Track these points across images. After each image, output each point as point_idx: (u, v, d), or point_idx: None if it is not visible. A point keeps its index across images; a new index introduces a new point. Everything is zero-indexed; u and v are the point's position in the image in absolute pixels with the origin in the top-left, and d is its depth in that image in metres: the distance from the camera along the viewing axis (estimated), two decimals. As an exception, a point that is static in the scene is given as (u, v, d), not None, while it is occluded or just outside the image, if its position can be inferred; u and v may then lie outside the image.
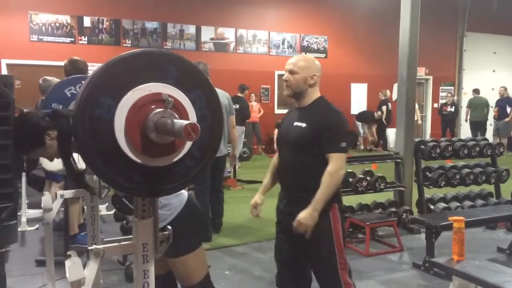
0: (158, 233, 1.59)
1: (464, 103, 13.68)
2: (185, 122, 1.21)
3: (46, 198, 2.56)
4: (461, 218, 2.80)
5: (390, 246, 4.50)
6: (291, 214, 2.41)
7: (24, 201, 5.23)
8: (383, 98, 11.97)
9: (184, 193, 2.16)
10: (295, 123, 2.45)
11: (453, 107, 12.97)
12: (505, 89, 11.93)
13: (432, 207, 5.22)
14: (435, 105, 14.77)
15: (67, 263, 1.52)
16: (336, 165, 2.32)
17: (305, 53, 12.46)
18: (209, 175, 4.62)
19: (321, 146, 2.35)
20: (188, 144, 1.38)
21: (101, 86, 1.31)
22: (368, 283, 3.67)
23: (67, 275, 1.50)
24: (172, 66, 1.41)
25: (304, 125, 2.40)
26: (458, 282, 2.68)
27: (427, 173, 5.26)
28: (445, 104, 13.15)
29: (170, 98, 1.33)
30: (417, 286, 3.63)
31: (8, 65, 9.54)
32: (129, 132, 1.30)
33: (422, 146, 5.22)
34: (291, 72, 2.43)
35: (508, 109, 11.69)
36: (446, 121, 12.98)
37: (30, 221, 5.14)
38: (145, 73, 1.37)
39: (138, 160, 1.30)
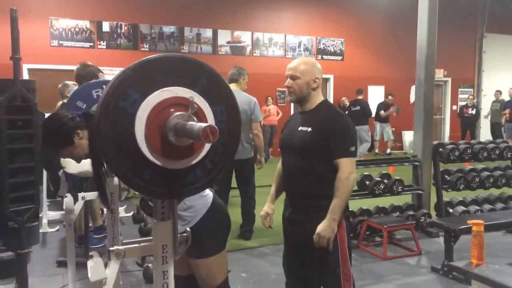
0: (177, 235, 1.62)
1: (484, 105, 13.50)
2: (205, 124, 1.23)
3: (68, 200, 2.62)
4: (481, 221, 2.77)
5: (408, 250, 4.46)
6: (296, 221, 2.39)
7: (45, 203, 5.32)
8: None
9: (210, 194, 2.16)
10: (300, 128, 2.38)
11: (474, 109, 12.79)
12: None
13: (450, 210, 5.16)
14: (454, 107, 14.60)
15: (89, 263, 1.56)
16: (346, 171, 2.26)
17: (312, 54, 12.47)
18: (227, 181, 4.59)
19: (327, 151, 2.29)
20: (202, 154, 1.41)
21: (132, 80, 1.35)
22: (385, 286, 3.65)
23: (89, 275, 1.54)
24: (203, 77, 1.45)
25: (309, 129, 2.33)
26: (477, 287, 2.66)
27: (446, 176, 5.20)
28: (466, 106, 12.97)
29: (195, 105, 1.36)
30: (435, 290, 3.60)
31: (29, 70, 9.74)
32: (148, 129, 1.33)
33: (441, 149, 5.17)
34: (293, 77, 2.37)
35: None
36: (467, 123, 12.79)
37: (50, 223, 5.23)
38: (176, 77, 1.41)
39: (152, 158, 1.33)
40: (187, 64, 1.46)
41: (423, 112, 5.19)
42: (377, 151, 12.31)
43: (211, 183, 1.52)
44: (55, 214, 5.43)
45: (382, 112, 11.94)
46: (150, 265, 2.58)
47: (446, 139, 13.59)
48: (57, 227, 5.18)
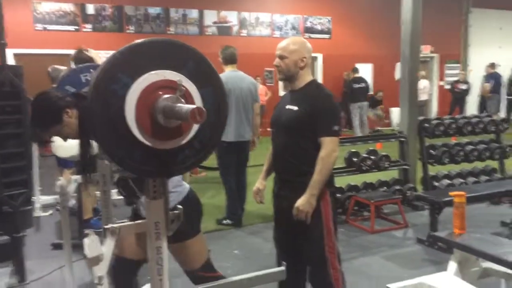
0: (169, 213, 1.68)
1: (470, 80, 13.61)
2: (193, 105, 1.29)
3: (61, 183, 2.67)
4: (462, 193, 2.87)
5: (395, 223, 4.60)
6: (284, 197, 2.48)
7: (37, 187, 5.36)
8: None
9: (186, 185, 2.25)
10: (287, 106, 2.46)
11: (466, 84, 12.85)
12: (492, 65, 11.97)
13: (436, 184, 5.29)
14: (441, 83, 14.72)
15: (86, 240, 1.63)
16: (328, 149, 2.33)
17: (302, 34, 12.45)
18: (235, 162, 4.65)
19: (312, 129, 2.36)
20: (191, 134, 1.46)
21: (122, 64, 1.39)
22: (372, 258, 3.78)
23: (86, 251, 1.61)
24: (190, 60, 1.49)
25: (295, 108, 2.41)
26: (459, 255, 2.77)
27: (431, 150, 5.32)
28: (457, 82, 13.03)
29: (182, 87, 1.41)
30: (421, 260, 3.73)
31: (15, 55, 9.62)
32: (138, 111, 1.38)
33: (426, 124, 5.28)
34: (281, 57, 2.43)
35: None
36: (458, 98, 12.85)
37: (44, 207, 5.28)
38: (164, 60, 1.45)
39: (142, 139, 1.38)
40: (175, 48, 1.50)
41: (408, 89, 5.28)
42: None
43: (200, 162, 1.58)
44: (48, 198, 5.47)
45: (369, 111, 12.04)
46: None
47: (434, 116, 13.74)
48: (50, 211, 5.22)
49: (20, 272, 3.42)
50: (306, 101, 2.41)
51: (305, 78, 2.47)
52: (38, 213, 5.12)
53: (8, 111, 3.42)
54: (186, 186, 2.25)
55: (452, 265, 2.80)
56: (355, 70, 11.57)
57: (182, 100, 1.41)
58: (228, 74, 4.56)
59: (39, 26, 9.97)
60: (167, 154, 1.48)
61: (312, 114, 2.37)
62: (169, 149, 1.47)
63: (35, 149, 5.61)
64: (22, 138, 3.61)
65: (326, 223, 2.44)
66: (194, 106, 1.27)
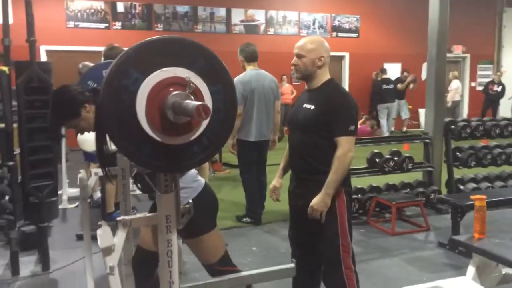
0: (179, 206, 1.72)
1: (503, 81, 13.23)
2: (198, 102, 1.31)
3: (82, 176, 2.75)
4: (483, 196, 2.81)
5: (416, 226, 4.53)
6: (299, 195, 2.49)
7: (65, 180, 5.52)
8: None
9: (202, 179, 2.28)
10: (304, 105, 2.46)
11: (500, 86, 12.47)
12: None
13: (461, 187, 5.18)
14: (473, 84, 14.37)
15: (98, 231, 1.68)
16: (345, 149, 2.33)
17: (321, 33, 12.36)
18: (255, 161, 4.66)
19: (328, 128, 2.36)
20: (199, 131, 1.48)
21: (134, 60, 1.43)
22: (391, 260, 3.74)
23: (99, 242, 1.66)
24: (201, 58, 1.51)
25: (312, 107, 2.41)
26: (478, 259, 2.72)
27: (457, 153, 5.21)
28: (492, 83, 12.66)
29: (192, 84, 1.44)
30: (441, 264, 3.67)
31: (47, 51, 9.91)
32: (148, 107, 1.41)
33: (452, 126, 5.17)
34: (299, 56, 2.43)
35: None
36: (491, 100, 12.47)
37: (70, 199, 5.43)
38: (176, 58, 1.48)
39: (151, 134, 1.41)
40: (186, 46, 1.53)
41: (434, 89, 5.18)
42: (392, 129, 12.25)
43: (208, 159, 1.60)
44: (75, 191, 5.62)
45: (399, 85, 11.82)
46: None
47: (464, 117, 13.42)
48: (77, 203, 5.37)
49: (44, 260, 3.54)
50: (322, 100, 2.41)
51: (322, 77, 2.47)
52: (65, 205, 5.28)
53: (37, 105, 3.54)
54: (202, 181, 2.28)
55: (471, 270, 2.75)
56: (383, 71, 11.54)
57: (191, 97, 1.44)
58: (251, 73, 4.56)
59: (71, 24, 10.23)
60: (176, 150, 1.51)
61: (328, 114, 2.37)
62: (178, 144, 1.50)
63: (63, 143, 5.79)
64: (49, 132, 3.74)
65: (341, 222, 2.43)
66: (199, 103, 1.30)
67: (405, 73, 12.06)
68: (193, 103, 1.34)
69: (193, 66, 1.51)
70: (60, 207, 5.15)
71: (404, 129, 12.32)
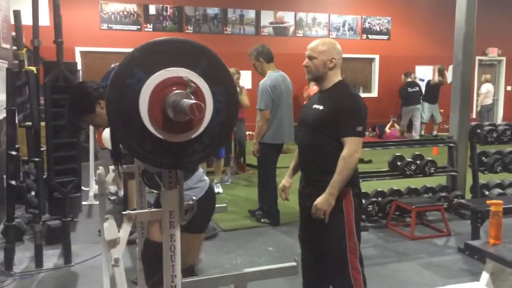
0: (183, 203, 1.78)
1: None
2: (193, 101, 1.37)
3: (100, 172, 2.85)
4: (499, 201, 2.76)
5: (437, 231, 4.46)
6: (307, 195, 2.51)
7: (91, 177, 5.70)
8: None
9: (207, 181, 2.33)
10: (314, 106, 2.50)
11: None
12: None
13: (487, 193, 5.06)
14: (509, 87, 13.95)
15: (105, 225, 1.76)
16: (351, 149, 2.34)
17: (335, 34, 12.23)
18: (276, 162, 4.71)
19: (336, 129, 2.38)
20: (200, 130, 1.54)
21: (138, 60, 1.50)
22: (408, 264, 3.70)
23: (104, 234, 1.73)
24: (204, 59, 1.57)
25: (321, 107, 2.44)
26: (492, 265, 2.67)
27: (483, 158, 5.10)
28: None
29: (192, 84, 1.50)
30: (459, 270, 3.60)
31: (81, 52, 10.24)
32: (150, 105, 1.48)
33: (478, 130, 5.06)
34: (310, 57, 2.47)
35: None
36: None
37: (97, 196, 5.59)
38: (179, 59, 1.54)
39: (153, 131, 1.47)
40: (189, 47, 1.59)
41: (460, 93, 5.08)
42: (423, 133, 12.04)
43: (208, 157, 1.66)
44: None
45: (432, 81, 11.70)
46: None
47: (499, 122, 13.03)
48: (102, 200, 5.53)
49: (67, 254, 3.68)
50: (331, 100, 2.44)
51: (333, 78, 2.49)
52: (91, 201, 5.44)
53: (62, 104, 3.69)
54: (207, 182, 2.33)
55: (485, 276, 2.71)
56: (408, 75, 11.54)
57: (191, 97, 1.49)
58: (276, 76, 4.57)
59: (105, 26, 10.52)
60: (176, 147, 1.57)
61: (336, 114, 2.39)
62: (179, 142, 1.56)
63: (92, 141, 5.99)
64: (75, 134, 3.89)
65: (348, 223, 2.43)
66: (193, 101, 1.35)
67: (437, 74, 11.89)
68: (188, 101, 1.39)
69: (196, 67, 1.57)
70: (86, 203, 5.34)
71: (435, 133, 12.07)
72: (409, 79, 11.49)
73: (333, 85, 2.49)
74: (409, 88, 11.33)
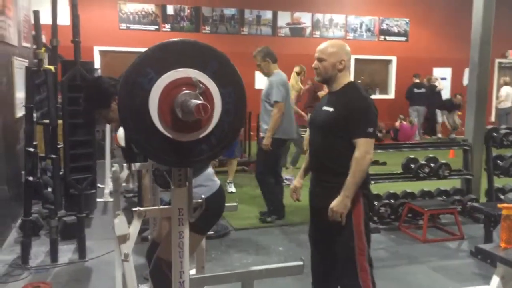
0: (192, 200, 1.81)
1: None
2: (200, 101, 1.40)
3: (114, 169, 2.91)
4: (510, 205, 2.73)
5: (450, 234, 4.43)
6: (319, 195, 2.54)
7: (107, 175, 5.79)
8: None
9: (218, 180, 2.31)
10: (324, 107, 2.51)
11: None
12: None
13: (502, 197, 5.01)
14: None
15: (115, 220, 1.80)
16: (362, 151, 2.35)
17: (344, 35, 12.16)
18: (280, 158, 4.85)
19: (346, 130, 2.38)
20: (208, 130, 1.57)
21: (151, 60, 1.54)
22: (419, 267, 3.69)
23: (115, 230, 1.78)
24: (214, 61, 1.61)
25: (331, 109, 2.45)
26: (503, 269, 2.65)
27: (498, 161, 5.04)
28: None
29: (201, 85, 1.53)
30: (470, 273, 3.58)
31: (100, 52, 10.40)
32: (160, 104, 1.52)
33: (494, 134, 5.01)
34: (319, 59, 2.48)
35: None
36: None
37: (111, 193, 5.68)
38: (190, 60, 1.58)
39: (162, 129, 1.52)
40: (200, 49, 1.63)
41: (475, 96, 5.04)
42: (440, 135, 11.92)
43: (215, 157, 1.69)
44: (116, 186, 5.88)
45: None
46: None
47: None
48: (118, 197, 5.62)
49: (81, 249, 3.76)
50: (341, 102, 2.45)
51: (343, 80, 2.51)
52: (106, 198, 5.54)
53: (79, 102, 3.77)
54: (217, 182, 2.33)
55: (495, 280, 2.68)
56: (416, 76, 11.78)
57: (200, 97, 1.53)
58: (282, 74, 4.76)
59: (123, 26, 10.67)
60: (184, 146, 1.61)
61: (346, 116, 2.39)
62: (187, 141, 1.60)
63: (108, 139, 6.08)
64: (90, 128, 3.97)
65: (356, 224, 2.44)
66: (200, 102, 1.38)
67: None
68: (195, 101, 1.43)
69: (206, 68, 1.61)
70: (101, 200, 5.43)
71: (452, 135, 11.94)
72: (417, 80, 11.74)
73: (343, 86, 2.50)
74: (415, 89, 11.65)
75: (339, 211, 2.38)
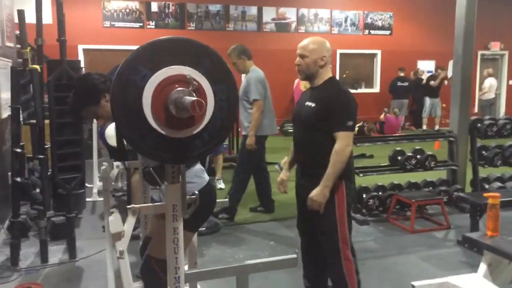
0: (185, 197, 1.83)
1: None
2: (194, 98, 1.42)
3: (104, 168, 2.91)
4: (496, 194, 2.80)
5: (437, 224, 4.50)
6: (303, 186, 2.62)
7: (95, 174, 5.76)
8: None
9: (206, 177, 2.31)
10: (307, 103, 2.59)
11: None
12: None
13: (487, 186, 5.10)
14: (511, 81, 13.94)
15: (110, 218, 1.81)
16: (342, 143, 2.44)
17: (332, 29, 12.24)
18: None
19: (329, 125, 2.47)
20: (201, 126, 1.58)
21: (143, 57, 1.55)
22: (407, 257, 3.75)
23: (110, 228, 1.79)
24: (207, 58, 1.62)
25: (313, 105, 2.53)
26: (490, 257, 2.71)
27: (483, 152, 5.13)
28: None
29: (194, 82, 1.54)
30: (458, 262, 3.65)
31: (84, 50, 10.28)
32: (153, 101, 1.53)
33: (478, 124, 5.09)
34: (302, 56, 2.55)
35: None
36: None
37: (100, 193, 5.65)
38: (182, 57, 1.59)
39: (155, 126, 1.52)
40: (192, 46, 1.64)
41: (460, 87, 5.11)
42: (424, 127, 12.06)
43: (208, 153, 1.71)
44: (104, 185, 5.85)
45: (432, 82, 11.82)
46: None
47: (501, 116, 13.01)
48: (106, 197, 5.59)
49: (71, 249, 3.74)
50: (322, 97, 2.53)
51: (324, 76, 2.58)
52: (94, 197, 5.50)
53: (66, 101, 3.74)
54: (205, 179, 2.30)
55: (482, 267, 2.75)
56: (401, 70, 12.01)
57: (193, 94, 1.54)
58: (259, 71, 4.69)
59: (107, 23, 10.56)
60: (177, 142, 1.62)
61: (327, 110, 2.48)
62: (180, 138, 1.61)
63: (95, 139, 6.04)
64: (78, 127, 3.94)
65: (339, 215, 2.53)
66: (195, 98, 1.40)
67: (438, 70, 11.95)
68: (190, 98, 1.44)
69: (199, 65, 1.62)
70: (90, 199, 5.40)
71: (437, 127, 12.08)
72: (402, 74, 11.97)
73: (324, 82, 2.58)
74: (398, 83, 11.91)
75: (318, 200, 2.46)
